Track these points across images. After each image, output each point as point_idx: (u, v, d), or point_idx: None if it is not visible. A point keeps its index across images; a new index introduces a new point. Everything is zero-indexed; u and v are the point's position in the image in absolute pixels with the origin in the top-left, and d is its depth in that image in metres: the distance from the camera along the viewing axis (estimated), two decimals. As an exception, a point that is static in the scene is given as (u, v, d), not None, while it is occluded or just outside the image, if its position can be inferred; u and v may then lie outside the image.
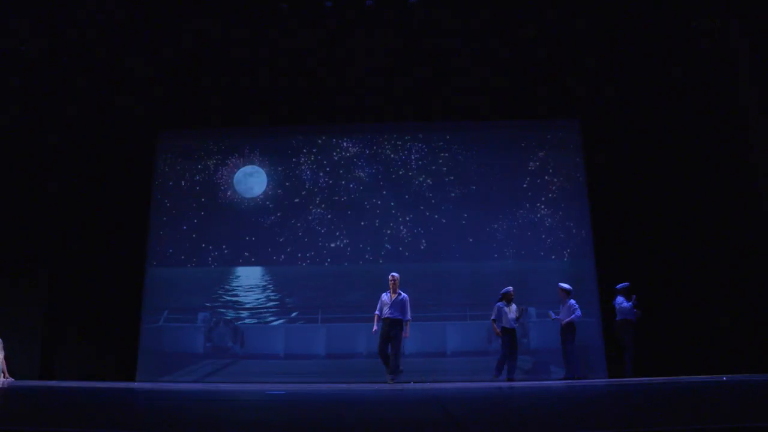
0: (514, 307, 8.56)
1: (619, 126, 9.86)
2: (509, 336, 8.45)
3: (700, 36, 9.62)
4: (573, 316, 8.51)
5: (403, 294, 8.32)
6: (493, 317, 8.56)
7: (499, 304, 8.58)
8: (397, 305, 8.25)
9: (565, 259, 9.80)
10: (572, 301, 8.63)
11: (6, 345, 9.15)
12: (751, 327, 8.82)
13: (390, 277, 8.42)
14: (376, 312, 8.31)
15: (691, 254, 9.31)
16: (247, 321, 9.87)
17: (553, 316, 8.73)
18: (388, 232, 10.10)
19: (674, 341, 8.85)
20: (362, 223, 10.14)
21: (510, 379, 8.38)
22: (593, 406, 3.00)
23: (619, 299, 8.71)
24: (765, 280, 8.93)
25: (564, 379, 8.51)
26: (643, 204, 9.62)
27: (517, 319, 8.50)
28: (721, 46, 9.66)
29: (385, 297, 8.36)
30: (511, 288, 8.66)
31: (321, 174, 10.37)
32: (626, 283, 8.75)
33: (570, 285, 8.80)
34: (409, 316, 8.25)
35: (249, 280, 10.03)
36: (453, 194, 10.17)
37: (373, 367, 8.79)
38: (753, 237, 9.16)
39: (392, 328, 8.13)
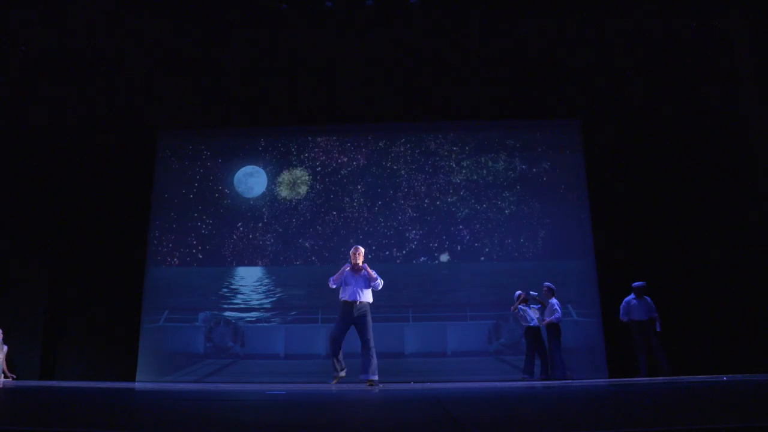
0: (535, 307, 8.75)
1: (619, 126, 9.86)
2: (534, 334, 8.54)
3: (701, 35, 9.61)
4: (553, 317, 8.50)
5: (365, 265, 6.78)
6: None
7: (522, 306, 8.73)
8: (362, 283, 6.61)
9: (565, 259, 9.80)
10: (553, 300, 8.62)
11: (6, 345, 9.15)
12: (751, 327, 8.82)
13: (353, 249, 6.85)
14: (333, 280, 6.79)
15: (691, 254, 9.31)
16: (247, 321, 9.87)
17: (537, 316, 8.73)
18: (388, 232, 10.10)
19: (674, 341, 8.84)
20: (363, 223, 10.14)
21: (547, 377, 8.37)
22: (593, 406, 2.99)
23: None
24: (765, 280, 8.93)
25: (540, 379, 8.48)
26: (644, 204, 9.62)
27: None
28: (722, 45, 9.66)
29: (348, 273, 6.75)
30: (524, 292, 8.82)
31: (321, 174, 10.38)
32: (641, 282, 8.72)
33: (554, 285, 8.82)
34: (378, 281, 6.62)
35: (249, 280, 10.03)
36: (453, 194, 10.17)
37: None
38: (753, 237, 9.16)
39: (360, 313, 6.54)
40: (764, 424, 1.87)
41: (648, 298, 8.58)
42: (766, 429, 1.83)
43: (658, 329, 8.39)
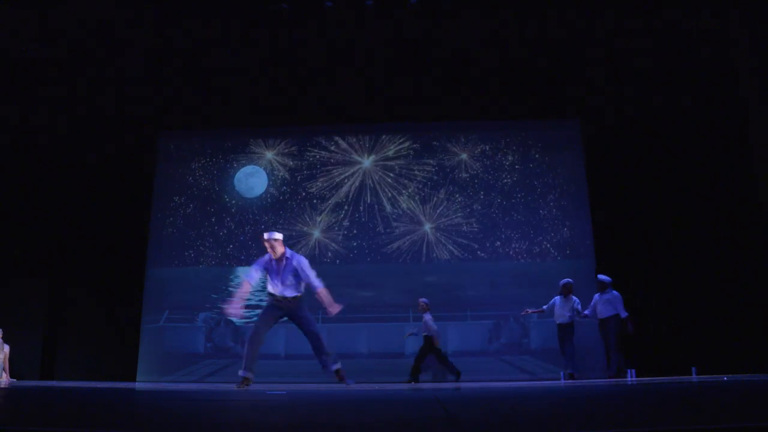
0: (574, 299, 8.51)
1: (619, 126, 9.87)
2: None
3: (701, 35, 9.61)
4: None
5: (293, 254, 5.85)
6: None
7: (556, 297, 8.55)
8: (289, 274, 5.65)
9: (565, 259, 9.80)
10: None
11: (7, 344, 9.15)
12: (751, 327, 8.82)
13: (269, 238, 5.76)
14: (247, 278, 5.94)
15: (691, 253, 9.32)
16: (247, 321, 9.85)
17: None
18: (388, 232, 10.10)
19: (674, 341, 8.85)
20: (362, 224, 10.15)
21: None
22: (593, 406, 2.99)
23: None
24: (765, 280, 8.93)
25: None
26: (644, 204, 9.63)
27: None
28: (722, 45, 9.66)
29: (268, 262, 5.79)
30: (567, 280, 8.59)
31: (321, 174, 10.38)
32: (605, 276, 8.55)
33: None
34: (317, 282, 5.72)
35: (249, 280, 10.01)
36: (452, 194, 10.17)
37: (373, 367, 8.78)
38: (753, 236, 9.16)
39: (291, 309, 5.70)
40: (764, 424, 1.87)
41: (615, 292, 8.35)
42: (766, 429, 1.83)
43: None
